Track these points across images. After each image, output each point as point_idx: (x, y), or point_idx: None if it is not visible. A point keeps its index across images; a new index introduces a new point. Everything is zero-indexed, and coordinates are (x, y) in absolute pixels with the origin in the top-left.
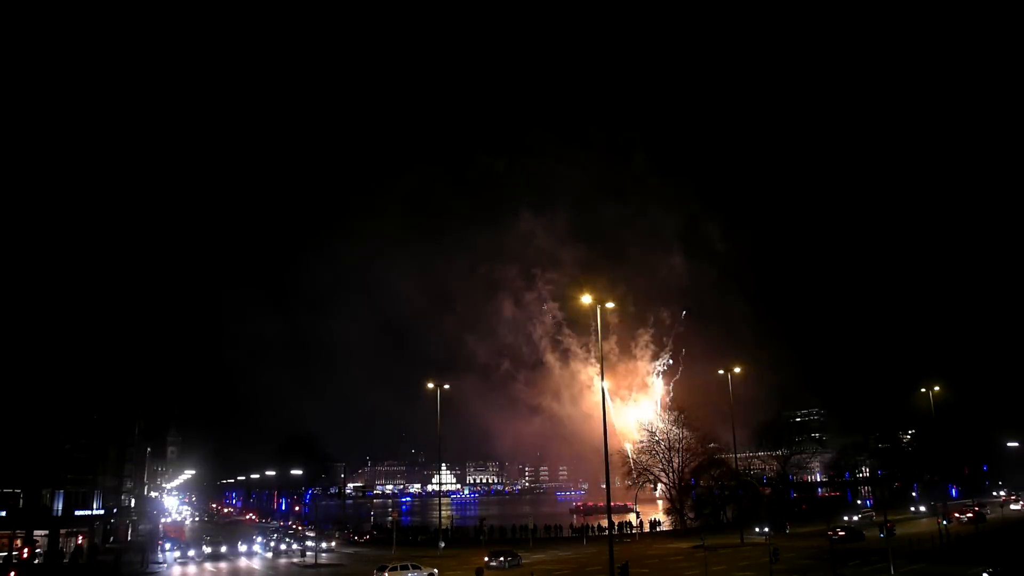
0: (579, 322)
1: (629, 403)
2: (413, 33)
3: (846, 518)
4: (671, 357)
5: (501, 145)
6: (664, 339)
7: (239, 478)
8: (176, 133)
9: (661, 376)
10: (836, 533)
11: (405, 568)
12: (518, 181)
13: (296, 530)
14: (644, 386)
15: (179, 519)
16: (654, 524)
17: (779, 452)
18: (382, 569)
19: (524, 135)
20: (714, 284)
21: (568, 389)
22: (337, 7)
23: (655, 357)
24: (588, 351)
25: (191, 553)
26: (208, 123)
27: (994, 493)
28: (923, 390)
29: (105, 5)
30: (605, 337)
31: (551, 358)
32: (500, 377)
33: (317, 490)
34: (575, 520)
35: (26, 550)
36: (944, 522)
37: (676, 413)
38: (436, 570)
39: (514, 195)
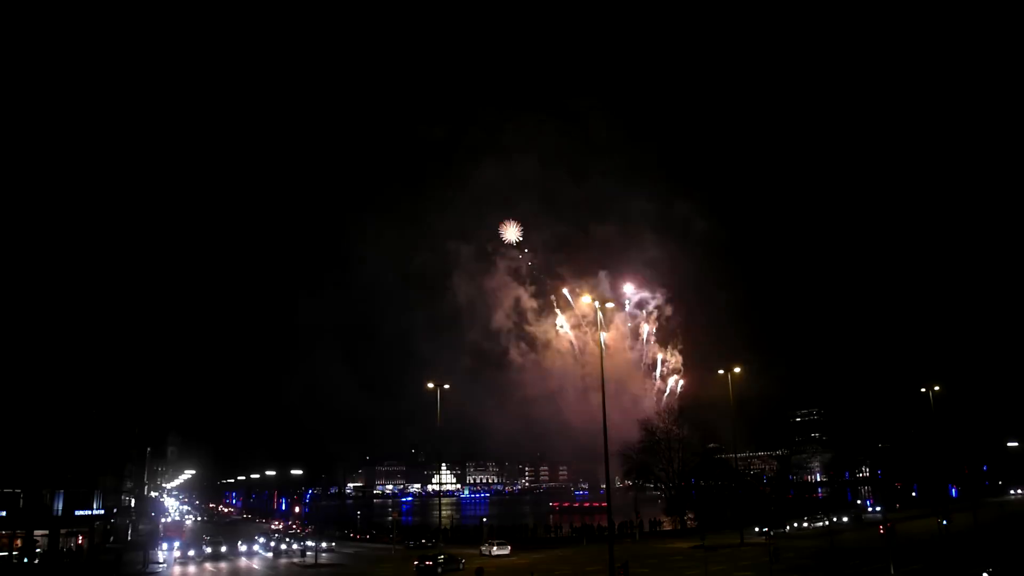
0: (547, 309)
1: (624, 400)
2: None
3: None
4: (659, 349)
5: (456, 114)
6: (648, 331)
7: (239, 478)
8: (167, 130)
9: (652, 370)
10: None
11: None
12: (477, 155)
13: (295, 530)
14: (637, 380)
15: (179, 519)
16: (654, 524)
17: (779, 452)
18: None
19: (480, 103)
20: (708, 278)
21: (550, 384)
22: None
23: (632, 348)
24: (560, 338)
25: (191, 553)
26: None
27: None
28: (923, 390)
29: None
30: (579, 325)
31: (533, 348)
32: (494, 373)
33: (317, 490)
34: (552, 519)
35: (27, 549)
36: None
37: (676, 412)
38: None
39: (470, 169)
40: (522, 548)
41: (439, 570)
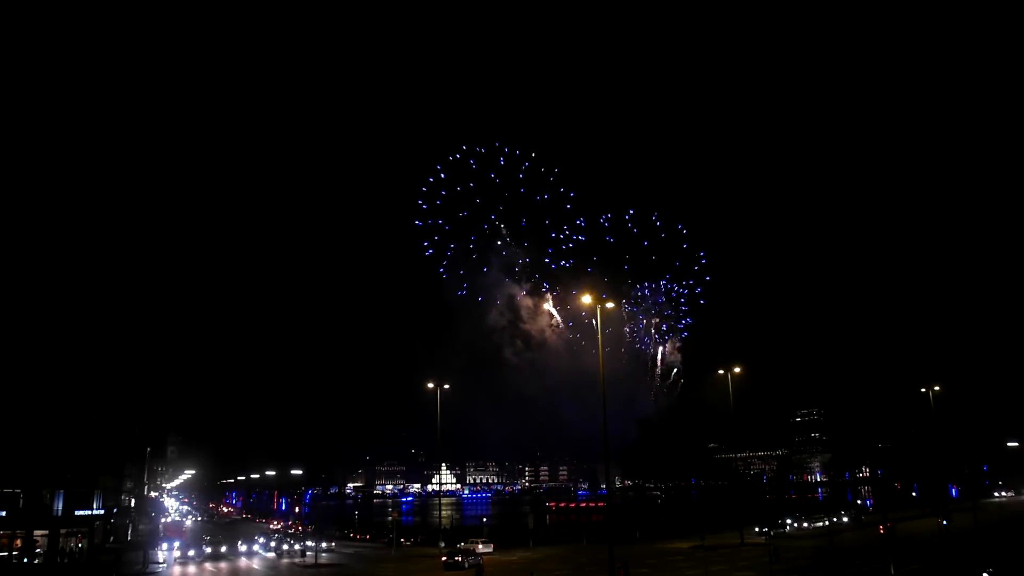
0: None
1: (623, 399)
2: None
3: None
4: (659, 347)
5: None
6: (647, 328)
7: (239, 478)
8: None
9: (651, 368)
10: None
11: None
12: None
13: (295, 530)
14: (636, 378)
15: (179, 519)
16: (654, 524)
17: (779, 452)
18: None
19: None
20: (708, 278)
21: (547, 383)
22: None
23: (631, 347)
24: (556, 336)
25: (191, 553)
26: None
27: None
28: (923, 390)
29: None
30: (575, 323)
31: (529, 347)
32: (491, 372)
33: (317, 490)
34: (549, 519)
35: (27, 549)
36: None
37: (675, 411)
38: None
39: None
40: (522, 547)
41: (466, 564)
